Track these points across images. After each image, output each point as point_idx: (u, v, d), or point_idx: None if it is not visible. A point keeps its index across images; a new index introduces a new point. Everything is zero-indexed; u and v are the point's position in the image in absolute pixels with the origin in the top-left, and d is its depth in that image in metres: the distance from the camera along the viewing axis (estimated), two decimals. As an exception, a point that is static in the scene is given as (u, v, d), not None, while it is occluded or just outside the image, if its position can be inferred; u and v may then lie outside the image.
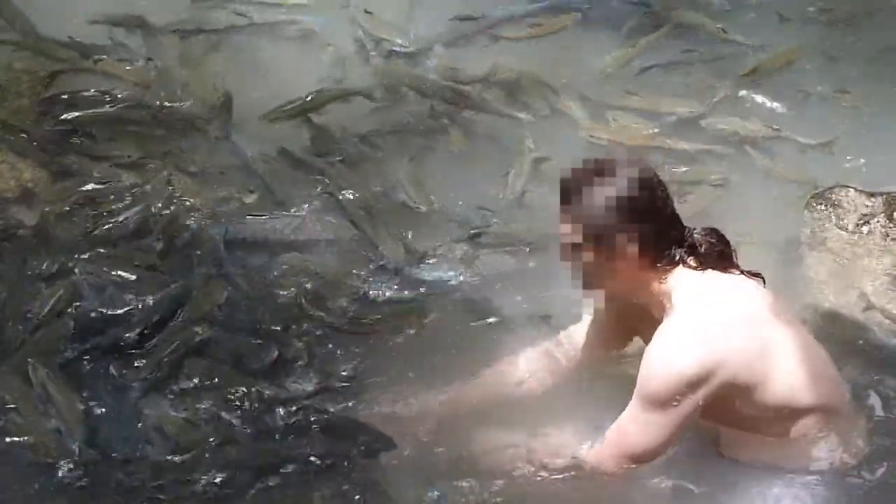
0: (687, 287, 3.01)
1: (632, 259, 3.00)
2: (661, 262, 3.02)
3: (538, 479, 3.22)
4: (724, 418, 3.09)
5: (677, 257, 3.02)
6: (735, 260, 3.11)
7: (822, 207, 4.13)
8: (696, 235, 3.05)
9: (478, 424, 3.36)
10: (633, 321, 3.23)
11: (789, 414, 3.06)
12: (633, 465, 3.10)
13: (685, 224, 3.07)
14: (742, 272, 3.10)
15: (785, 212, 4.25)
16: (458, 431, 3.35)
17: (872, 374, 3.54)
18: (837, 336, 3.70)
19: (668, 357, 2.97)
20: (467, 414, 3.40)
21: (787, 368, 3.03)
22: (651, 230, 2.99)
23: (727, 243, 3.09)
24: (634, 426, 3.05)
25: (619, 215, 2.97)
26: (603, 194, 2.96)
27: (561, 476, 3.19)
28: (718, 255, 3.06)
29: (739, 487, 3.15)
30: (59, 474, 3.33)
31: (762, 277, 3.13)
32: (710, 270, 3.04)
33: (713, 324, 2.98)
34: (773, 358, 3.01)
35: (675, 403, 2.98)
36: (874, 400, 3.38)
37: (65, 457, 3.36)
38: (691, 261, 3.02)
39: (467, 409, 3.42)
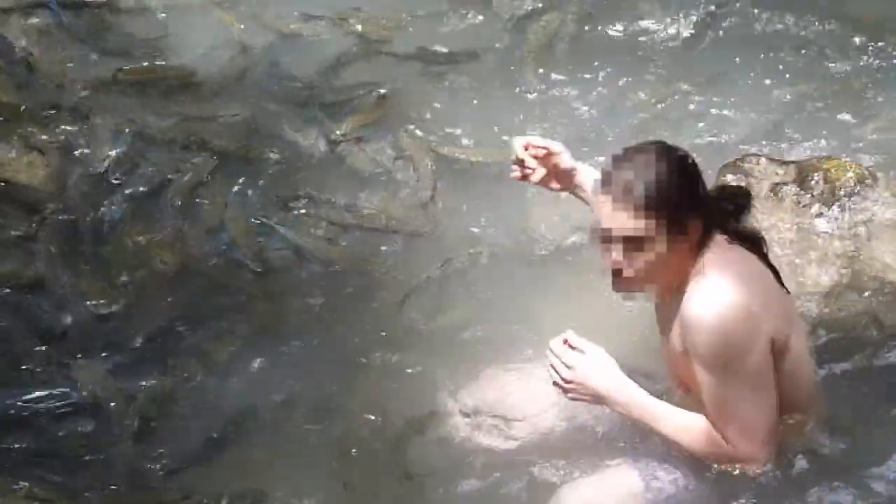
0: (713, 257, 2.95)
1: (688, 244, 2.92)
2: (703, 239, 2.96)
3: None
4: None
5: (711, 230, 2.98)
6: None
7: (734, 177, 4.11)
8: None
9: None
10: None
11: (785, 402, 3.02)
12: (767, 443, 2.98)
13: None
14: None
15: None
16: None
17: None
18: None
19: (711, 304, 2.87)
20: None
21: (800, 347, 3.04)
22: (702, 208, 2.93)
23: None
24: (740, 404, 2.94)
25: (685, 195, 2.89)
26: (666, 174, 2.86)
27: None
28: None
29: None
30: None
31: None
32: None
33: (744, 281, 2.91)
34: (794, 326, 3.02)
35: (749, 346, 2.89)
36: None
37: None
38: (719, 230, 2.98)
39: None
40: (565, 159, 3.27)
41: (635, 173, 2.85)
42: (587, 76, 4.94)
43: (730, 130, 4.60)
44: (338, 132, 4.63)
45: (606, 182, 2.88)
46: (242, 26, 5.11)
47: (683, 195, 2.88)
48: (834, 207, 4.01)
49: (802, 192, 4.05)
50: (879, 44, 5.06)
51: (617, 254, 2.88)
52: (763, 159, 4.15)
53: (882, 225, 3.99)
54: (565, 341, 2.99)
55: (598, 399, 3.00)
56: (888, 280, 3.86)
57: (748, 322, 2.88)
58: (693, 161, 2.94)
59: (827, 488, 3.20)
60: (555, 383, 3.02)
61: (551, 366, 3.00)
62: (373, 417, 3.60)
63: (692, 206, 2.89)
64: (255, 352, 3.82)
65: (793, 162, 4.15)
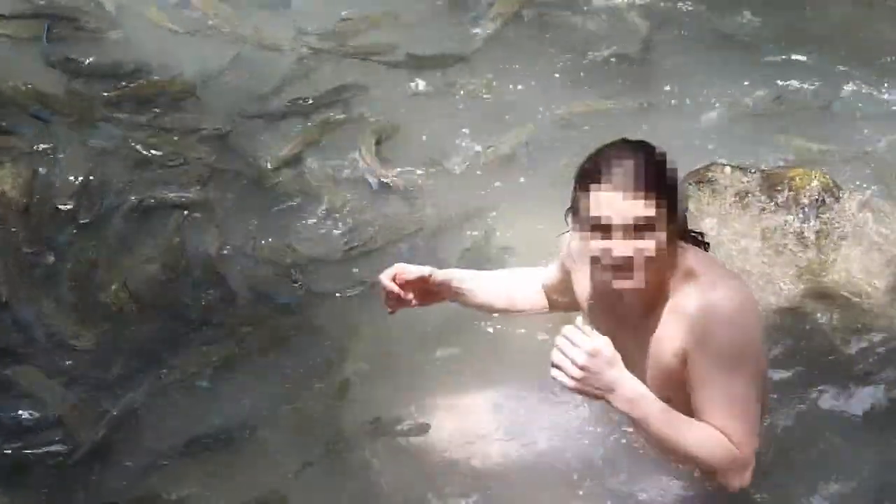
0: (693, 257, 3.01)
1: (679, 232, 2.98)
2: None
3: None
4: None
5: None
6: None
7: (698, 185, 4.16)
8: None
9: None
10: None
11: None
12: (758, 444, 2.99)
13: None
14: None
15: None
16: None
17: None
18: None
19: (732, 300, 2.91)
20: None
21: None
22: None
23: None
24: (743, 398, 2.93)
25: (679, 188, 2.96)
26: (663, 165, 2.91)
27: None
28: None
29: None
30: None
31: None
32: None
33: (739, 279, 3.04)
34: None
35: (756, 344, 2.96)
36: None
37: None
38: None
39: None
40: (437, 276, 3.30)
41: (637, 163, 2.87)
42: (549, 75, 5.05)
43: (692, 138, 4.66)
44: (287, 150, 4.68)
45: (607, 177, 2.87)
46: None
47: (675, 181, 2.93)
48: (799, 216, 4.05)
49: (767, 201, 4.08)
50: (845, 53, 5.19)
51: (625, 246, 2.87)
52: (728, 168, 4.18)
53: (847, 234, 4.04)
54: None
55: (606, 392, 2.90)
56: (852, 289, 3.90)
57: (759, 317, 2.99)
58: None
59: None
60: (558, 370, 2.89)
61: (560, 351, 2.88)
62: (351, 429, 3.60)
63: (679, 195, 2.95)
64: (229, 373, 3.81)
65: (758, 170, 4.18)
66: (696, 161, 4.28)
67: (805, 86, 5.04)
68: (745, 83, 5.00)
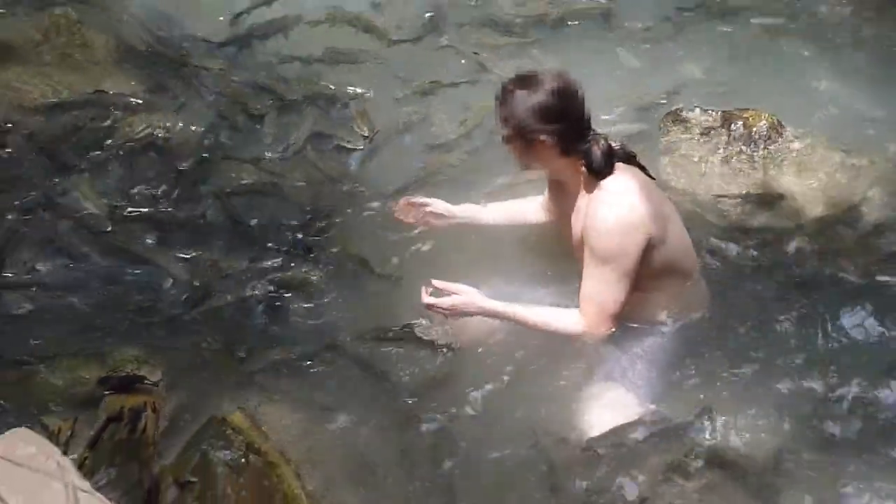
0: (615, 175, 3.58)
1: (550, 150, 3.53)
2: (574, 154, 3.53)
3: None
4: None
5: (586, 152, 3.53)
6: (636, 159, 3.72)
7: (674, 122, 4.86)
8: (600, 140, 3.56)
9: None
10: (561, 194, 3.77)
11: (668, 272, 3.62)
12: (615, 319, 3.55)
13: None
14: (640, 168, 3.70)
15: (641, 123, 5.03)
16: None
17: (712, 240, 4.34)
18: (689, 213, 4.40)
19: (610, 216, 3.45)
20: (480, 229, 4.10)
21: (675, 233, 3.63)
22: (564, 130, 3.49)
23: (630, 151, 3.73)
24: (603, 286, 3.48)
25: (535, 118, 3.48)
26: (524, 102, 3.51)
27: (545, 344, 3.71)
28: (623, 155, 3.63)
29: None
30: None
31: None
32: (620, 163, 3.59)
33: (634, 189, 3.53)
34: (669, 222, 3.61)
35: (627, 251, 3.44)
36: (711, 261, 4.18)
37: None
38: (597, 154, 3.51)
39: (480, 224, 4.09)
40: (437, 208, 4.07)
41: (513, 95, 3.54)
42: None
43: (671, 86, 5.29)
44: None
45: (499, 98, 3.61)
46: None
47: (535, 116, 3.52)
48: (751, 146, 4.70)
49: (727, 134, 4.73)
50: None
51: (503, 139, 3.61)
52: (697, 109, 4.86)
53: (788, 160, 4.68)
54: (432, 286, 3.65)
55: (475, 314, 3.67)
56: (791, 200, 4.55)
57: (634, 234, 3.48)
58: (566, 90, 3.53)
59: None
60: (434, 311, 3.67)
61: (431, 310, 3.65)
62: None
63: (543, 124, 3.52)
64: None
65: (720, 111, 4.82)
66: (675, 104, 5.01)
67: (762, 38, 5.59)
68: (707, 44, 5.61)
